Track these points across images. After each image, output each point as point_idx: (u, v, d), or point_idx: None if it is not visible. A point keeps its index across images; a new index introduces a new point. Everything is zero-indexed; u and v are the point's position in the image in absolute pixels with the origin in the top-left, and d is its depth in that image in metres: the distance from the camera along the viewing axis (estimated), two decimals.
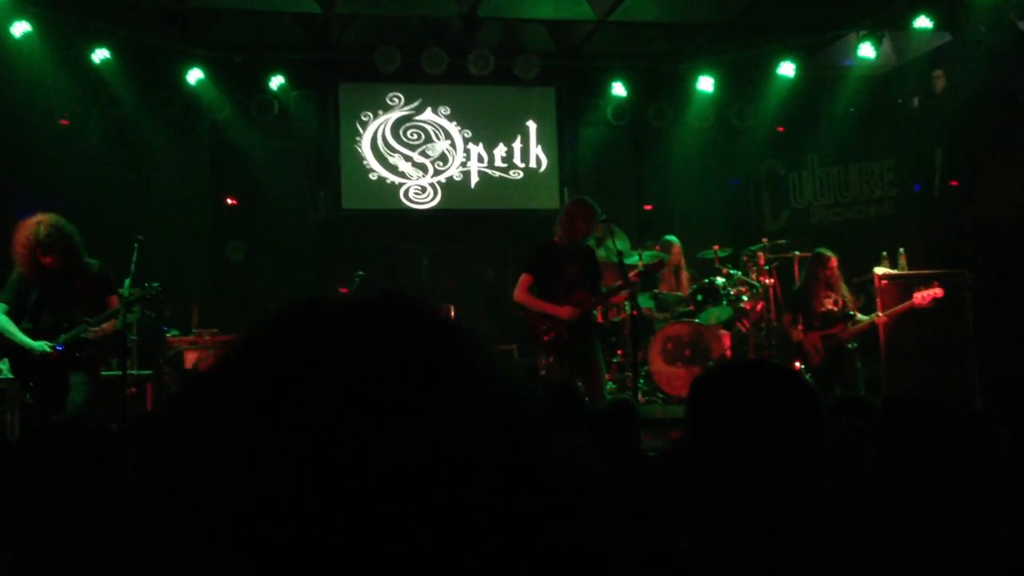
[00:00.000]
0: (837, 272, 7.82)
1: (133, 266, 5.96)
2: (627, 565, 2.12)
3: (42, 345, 5.50)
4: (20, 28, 8.30)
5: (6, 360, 5.79)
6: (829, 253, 7.86)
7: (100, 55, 9.07)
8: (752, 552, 1.31)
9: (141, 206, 9.87)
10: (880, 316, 7.89)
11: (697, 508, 1.41)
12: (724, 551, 1.33)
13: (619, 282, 6.98)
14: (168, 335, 7.78)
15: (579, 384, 6.21)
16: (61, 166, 8.96)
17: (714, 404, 1.43)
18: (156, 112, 9.87)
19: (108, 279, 5.82)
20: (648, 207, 11.50)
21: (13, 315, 5.55)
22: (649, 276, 8.12)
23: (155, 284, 6.02)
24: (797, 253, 8.92)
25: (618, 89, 10.69)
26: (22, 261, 5.50)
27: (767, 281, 8.88)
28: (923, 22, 9.08)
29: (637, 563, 1.99)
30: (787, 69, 10.16)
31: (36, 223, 5.44)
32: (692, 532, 1.41)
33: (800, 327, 7.91)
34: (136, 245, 6.04)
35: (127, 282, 5.85)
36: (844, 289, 7.90)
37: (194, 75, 9.69)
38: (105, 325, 5.66)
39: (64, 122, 9.28)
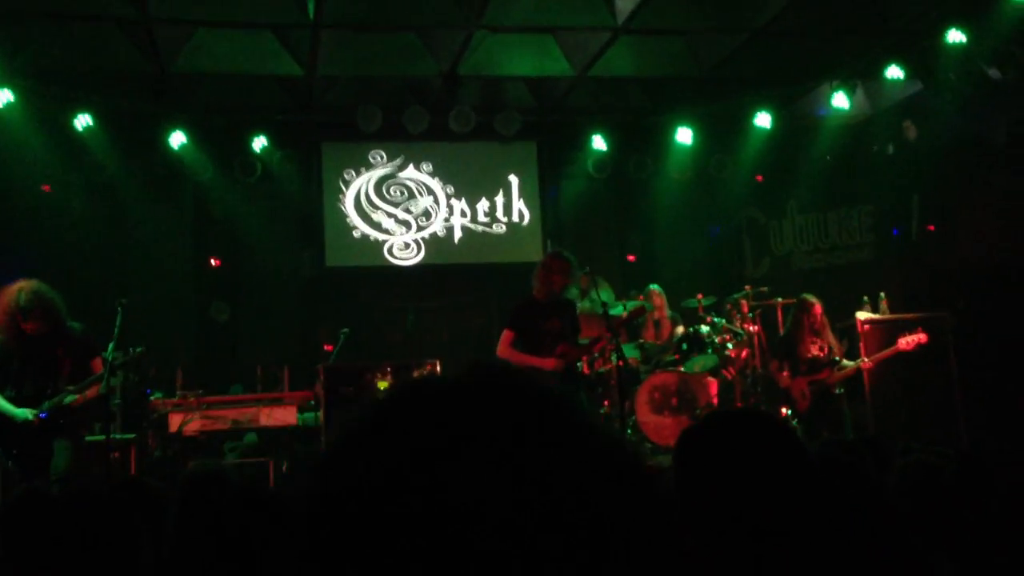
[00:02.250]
0: (822, 318, 7.87)
1: (117, 330, 5.94)
2: None
3: (24, 413, 5.46)
4: (3, 97, 8.36)
5: None
6: (813, 299, 7.91)
7: (83, 121, 9.13)
8: None
9: (125, 269, 9.88)
10: (865, 361, 7.93)
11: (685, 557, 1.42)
12: None
13: (601, 332, 7.01)
14: (152, 398, 7.72)
15: None
16: (44, 232, 8.97)
17: (701, 454, 1.45)
18: (139, 175, 9.93)
19: (91, 343, 5.80)
20: (631, 257, 11.59)
21: None
22: (632, 323, 8.15)
23: (139, 348, 6.00)
24: (780, 300, 8.99)
25: (598, 142, 10.82)
26: (3, 328, 5.48)
27: (751, 328, 8.92)
28: (895, 72, 9.26)
29: None
30: (763, 120, 10.33)
31: (17, 290, 5.43)
32: None
33: (787, 373, 7.94)
34: (120, 308, 6.03)
35: (111, 346, 5.83)
36: (830, 335, 7.94)
37: (177, 138, 9.75)
38: (88, 391, 5.63)
39: (46, 188, 9.31)
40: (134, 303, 6.39)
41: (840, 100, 9.82)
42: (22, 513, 3.28)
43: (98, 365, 5.75)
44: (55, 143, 9.15)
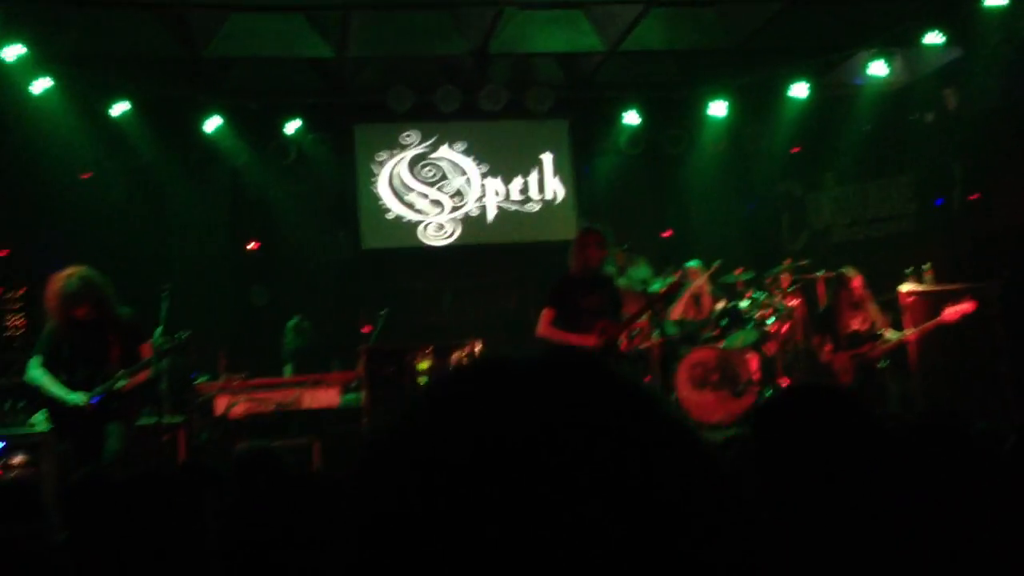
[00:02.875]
0: (862, 291, 7.76)
1: (163, 315, 6.01)
2: None
3: (78, 398, 5.53)
4: (41, 84, 8.44)
5: (44, 412, 5.83)
6: (852, 272, 7.81)
7: (120, 108, 9.21)
8: None
9: (164, 254, 9.97)
10: (909, 333, 7.84)
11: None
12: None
13: (641, 309, 6.97)
14: (197, 382, 7.81)
15: None
16: (85, 219, 9.06)
17: (782, 431, 1.43)
18: (176, 161, 10.01)
19: (139, 328, 5.86)
20: (667, 233, 11.51)
21: (49, 368, 5.59)
22: (671, 298, 8.11)
23: (184, 333, 6.06)
24: (820, 273, 8.89)
25: (631, 117, 10.75)
26: (55, 314, 5.54)
27: (792, 303, 8.84)
28: (934, 38, 9.10)
29: None
30: (799, 90, 10.19)
31: (67, 276, 5.49)
32: None
33: (828, 347, 7.85)
34: (164, 295, 6.10)
35: (158, 331, 5.89)
36: (873, 308, 7.84)
37: (212, 123, 9.81)
38: (138, 376, 5.69)
39: (86, 175, 9.39)
40: (175, 287, 6.45)
41: (878, 68, 9.67)
42: (84, 496, 3.33)
43: (146, 350, 5.81)
44: (93, 130, 9.22)
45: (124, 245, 9.23)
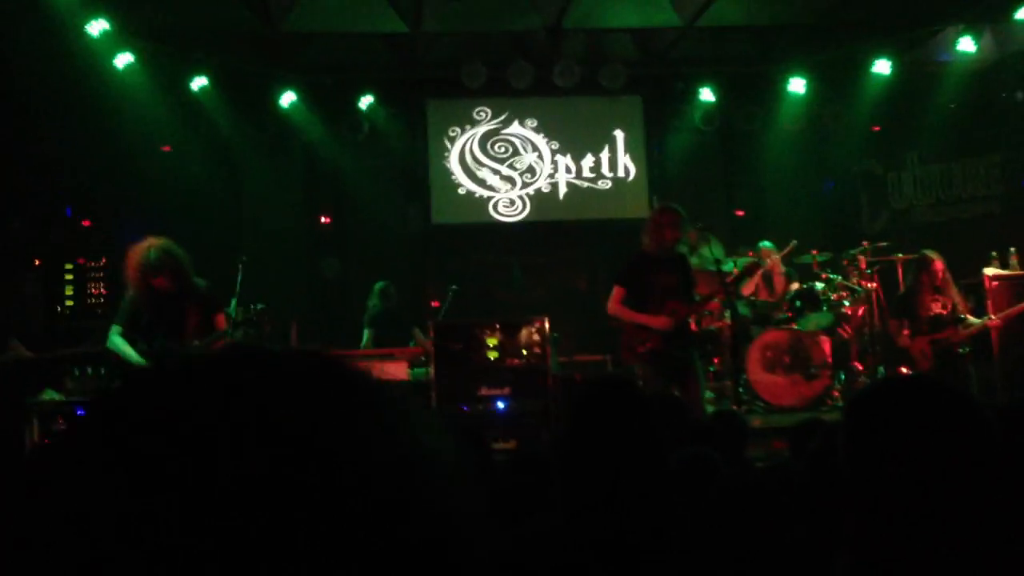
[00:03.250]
0: (944, 274, 7.53)
1: (238, 287, 6.12)
2: None
3: None
4: (123, 60, 8.63)
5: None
6: (934, 255, 7.58)
7: (199, 83, 9.38)
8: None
9: (240, 227, 10.15)
10: (993, 319, 7.59)
11: (849, 532, 1.36)
12: None
13: (714, 290, 6.87)
14: None
15: (676, 394, 6.12)
16: (164, 191, 9.26)
17: (877, 423, 1.37)
18: (252, 135, 10.17)
19: (216, 300, 5.97)
20: (740, 213, 11.32)
21: (127, 337, 5.74)
22: (743, 281, 7.98)
23: (259, 304, 6.17)
24: (900, 255, 8.65)
25: (706, 94, 10.56)
26: (134, 284, 5.67)
27: (869, 285, 8.63)
28: None
29: None
30: (882, 67, 9.89)
31: (147, 247, 5.61)
32: (844, 557, 1.36)
33: (907, 332, 7.65)
34: (240, 266, 6.21)
35: (233, 302, 6.01)
36: (954, 291, 7.60)
37: (287, 98, 9.93)
38: (214, 345, 5.80)
39: (166, 148, 9.59)
40: (249, 260, 6.55)
41: (966, 44, 9.33)
42: None
43: (222, 321, 5.92)
44: (173, 104, 9.41)
45: (201, 218, 9.41)
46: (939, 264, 7.52)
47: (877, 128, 10.73)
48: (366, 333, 8.75)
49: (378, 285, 9.05)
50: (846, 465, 1.36)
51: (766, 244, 9.33)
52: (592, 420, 2.13)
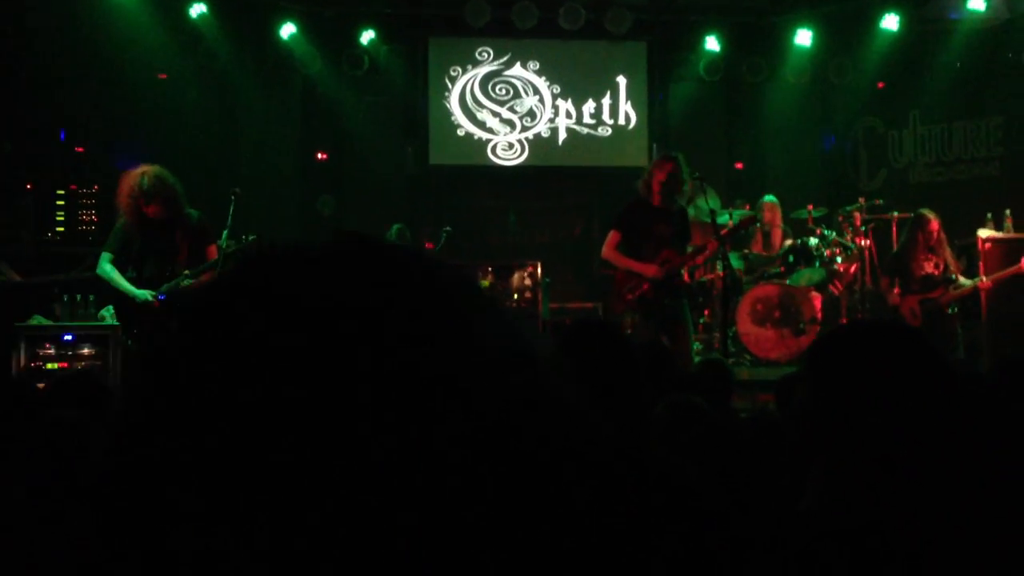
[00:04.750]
0: (939, 234, 7.53)
1: (230, 218, 6.10)
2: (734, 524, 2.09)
3: (145, 294, 5.67)
4: None
5: (111, 307, 6.00)
6: (931, 215, 7.57)
7: (197, 10, 9.24)
8: (876, 520, 1.27)
9: (235, 159, 10.08)
10: (983, 280, 7.60)
11: (816, 472, 1.37)
12: (847, 517, 1.29)
13: (707, 241, 6.86)
14: None
15: (664, 343, 6.14)
16: (159, 120, 9.17)
17: (838, 366, 1.38)
18: (250, 66, 10.04)
19: (207, 230, 5.96)
20: (739, 165, 11.26)
21: (118, 264, 5.73)
22: (739, 234, 7.97)
23: (251, 236, 6.16)
24: (896, 214, 8.63)
25: (712, 43, 10.43)
26: (126, 211, 5.65)
27: (863, 243, 8.63)
28: None
29: (747, 523, 1.96)
30: (891, 22, 9.77)
31: (140, 173, 5.59)
32: (810, 496, 1.37)
33: (897, 291, 7.67)
34: (233, 198, 6.18)
35: (224, 234, 5.99)
36: (948, 252, 7.61)
37: (287, 29, 9.80)
38: (204, 276, 5.80)
39: (163, 76, 9.48)
40: (243, 193, 6.52)
41: (976, 2, 9.21)
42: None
43: (213, 252, 5.91)
44: (171, 31, 9.27)
45: (195, 148, 9.33)
46: (935, 224, 7.51)
47: (881, 85, 10.63)
48: None
49: (395, 227, 9.05)
50: (810, 403, 1.37)
51: (769, 198, 9.30)
52: (574, 359, 2.14)
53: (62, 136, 8.34)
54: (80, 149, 8.28)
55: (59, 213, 7.85)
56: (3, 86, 7.80)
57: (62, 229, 7.84)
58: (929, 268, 7.56)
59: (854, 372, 1.40)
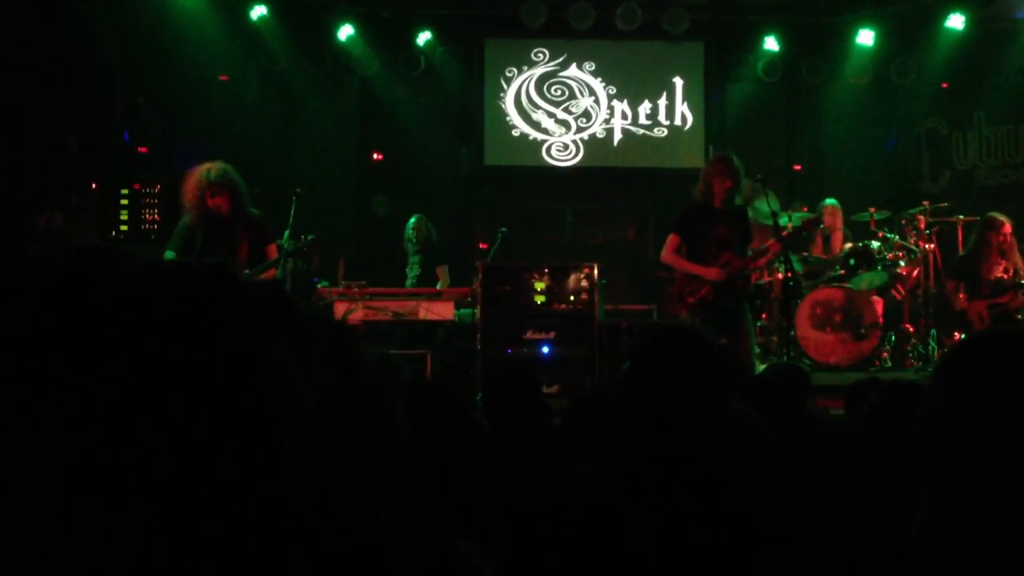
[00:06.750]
0: (1011, 238, 7.35)
1: (291, 218, 6.15)
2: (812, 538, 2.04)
3: None
4: None
5: None
6: (1003, 218, 7.40)
7: (258, 12, 9.34)
8: (995, 548, 1.21)
9: (293, 160, 10.16)
10: None
11: (928, 491, 1.31)
12: (963, 544, 1.23)
13: (768, 243, 6.76)
14: (319, 286, 8.00)
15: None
16: (220, 121, 9.28)
17: (983, 376, 1.30)
18: (309, 68, 10.13)
19: (268, 229, 6.01)
20: (797, 167, 11.09)
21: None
22: (800, 237, 7.85)
23: (310, 236, 6.20)
24: (961, 217, 8.43)
25: (770, 44, 10.29)
26: (191, 205, 5.72)
27: (927, 246, 8.44)
28: None
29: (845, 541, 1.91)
30: (956, 22, 9.56)
31: (207, 168, 5.67)
32: (924, 517, 1.31)
33: (963, 295, 7.50)
34: (294, 198, 6.23)
35: (286, 233, 6.04)
36: (1017, 256, 7.42)
37: (345, 31, 9.87)
38: (264, 275, 5.85)
39: (224, 78, 9.60)
40: (302, 193, 6.56)
41: None
42: None
43: (273, 251, 5.97)
44: (231, 33, 9.38)
45: (255, 149, 9.43)
46: (1008, 227, 7.34)
47: (945, 85, 10.40)
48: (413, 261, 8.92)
49: (413, 218, 9.14)
50: (937, 426, 1.30)
51: (831, 201, 9.14)
52: (655, 366, 2.09)
53: (126, 137, 8.48)
54: (143, 150, 8.41)
55: (123, 212, 7.98)
56: (69, 87, 7.94)
57: (126, 228, 7.97)
58: (999, 272, 7.38)
59: (1002, 383, 1.30)
